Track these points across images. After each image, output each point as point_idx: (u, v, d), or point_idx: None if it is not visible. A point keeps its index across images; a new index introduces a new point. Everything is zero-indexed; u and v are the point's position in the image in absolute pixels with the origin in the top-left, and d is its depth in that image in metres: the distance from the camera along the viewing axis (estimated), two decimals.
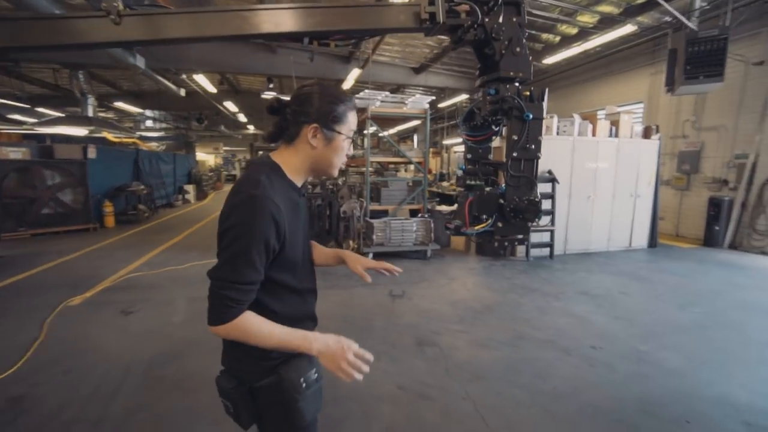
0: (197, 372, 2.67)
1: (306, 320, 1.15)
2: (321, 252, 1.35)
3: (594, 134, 6.40)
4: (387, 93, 6.04)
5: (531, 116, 1.36)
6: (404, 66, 11.47)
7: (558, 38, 8.88)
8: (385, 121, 6.91)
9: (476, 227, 1.52)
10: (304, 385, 1.04)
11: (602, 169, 6.49)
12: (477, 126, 1.66)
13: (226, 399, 1.08)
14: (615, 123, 6.55)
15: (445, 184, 10.90)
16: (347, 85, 10.53)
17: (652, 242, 7.05)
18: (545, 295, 4.39)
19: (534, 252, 6.26)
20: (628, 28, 7.09)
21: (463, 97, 13.66)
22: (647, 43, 8.38)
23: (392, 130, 14.99)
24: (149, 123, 19.07)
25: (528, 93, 1.39)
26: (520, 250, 6.30)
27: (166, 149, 17.19)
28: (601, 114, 7.72)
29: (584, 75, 10.48)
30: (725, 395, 2.49)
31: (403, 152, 6.53)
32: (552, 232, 6.22)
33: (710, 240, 7.29)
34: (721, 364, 2.89)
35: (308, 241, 1.19)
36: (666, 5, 5.98)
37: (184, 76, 9.58)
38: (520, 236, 1.53)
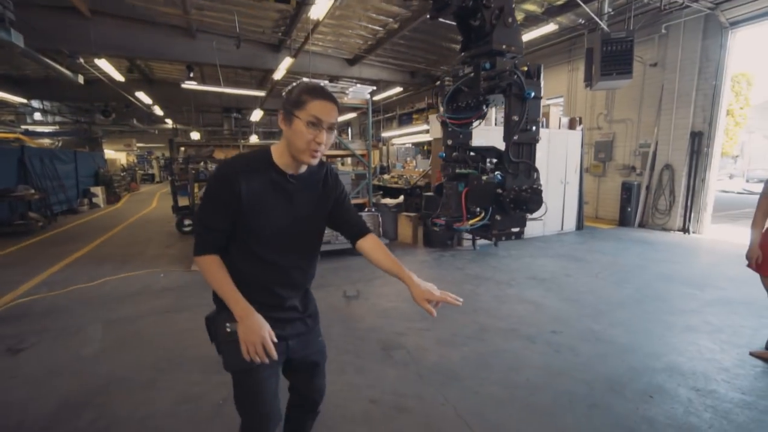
0: (125, 416, 2.16)
1: (262, 290, 1.27)
2: (379, 257, 1.40)
3: (547, 126, 6.72)
4: (326, 81, 5.68)
5: (532, 94, 1.20)
6: (338, 57, 11.07)
7: None
8: None
9: (471, 222, 1.33)
10: (229, 330, 1.22)
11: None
12: (461, 108, 1.47)
13: (207, 326, 1.33)
14: (545, 115, 6.94)
15: (386, 176, 10.81)
16: (278, 75, 9.86)
17: (580, 225, 7.68)
18: (498, 283, 4.47)
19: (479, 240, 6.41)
20: (550, 27, 7.54)
21: (398, 90, 13.69)
22: (565, 42, 9.05)
23: None
24: (38, 116, 16.12)
25: (525, 68, 1.22)
26: (466, 239, 6.42)
27: (64, 146, 14.72)
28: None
29: None
30: (672, 365, 2.67)
31: (346, 144, 6.24)
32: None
33: (624, 220, 8.15)
34: (660, 335, 3.13)
35: (308, 224, 1.33)
36: (585, 6, 6.44)
37: (82, 60, 8.13)
38: (517, 229, 1.37)
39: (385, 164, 12.80)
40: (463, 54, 1.44)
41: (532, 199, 1.22)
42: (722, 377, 2.54)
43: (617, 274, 4.74)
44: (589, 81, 6.46)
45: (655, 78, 7.75)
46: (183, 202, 8.18)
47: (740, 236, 7.03)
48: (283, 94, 1.27)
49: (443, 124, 1.53)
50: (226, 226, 1.21)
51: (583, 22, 7.97)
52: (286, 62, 8.74)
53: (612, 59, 6.08)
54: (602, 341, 3.01)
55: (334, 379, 2.49)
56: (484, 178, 1.32)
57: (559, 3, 7.35)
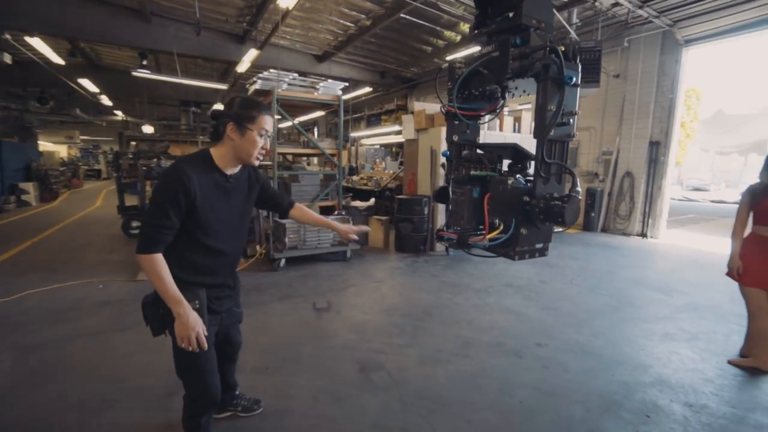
0: None
1: (213, 273, 1.55)
2: (309, 215, 1.93)
3: (501, 129, 6.68)
4: (295, 75, 5.29)
5: (574, 79, 0.96)
6: (306, 52, 10.62)
7: (459, 37, 9.16)
8: (292, 107, 6.12)
9: (490, 235, 1.08)
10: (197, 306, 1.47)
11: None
12: (472, 96, 1.22)
13: (143, 310, 1.52)
14: (518, 119, 6.96)
15: (355, 178, 10.48)
16: (242, 68, 9.27)
17: None
18: (476, 291, 4.30)
19: None
20: None
21: (367, 89, 13.42)
22: None
23: (295, 120, 13.96)
24: None
25: (563, 48, 0.98)
26: (440, 244, 6.26)
27: None
28: (505, 111, 8.17)
29: None
30: (660, 377, 2.60)
31: (315, 143, 5.86)
32: None
33: (588, 225, 8.38)
34: (642, 345, 3.07)
35: (240, 216, 1.62)
36: (558, 15, 6.52)
37: (8, 37, 7.12)
38: (542, 245, 1.13)
39: (354, 165, 12.47)
40: (476, 32, 1.18)
41: (570, 210, 0.98)
42: (709, 389, 2.48)
43: (590, 280, 4.74)
44: None
45: (617, 89, 8.04)
46: (131, 201, 7.39)
47: (690, 241, 7.44)
48: (226, 106, 1.47)
49: (450, 115, 1.26)
50: (176, 224, 1.37)
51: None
52: (251, 54, 8.20)
53: (582, 68, 6.17)
54: (588, 353, 2.89)
55: (307, 411, 2.17)
56: (509, 181, 1.07)
57: None
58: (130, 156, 9.73)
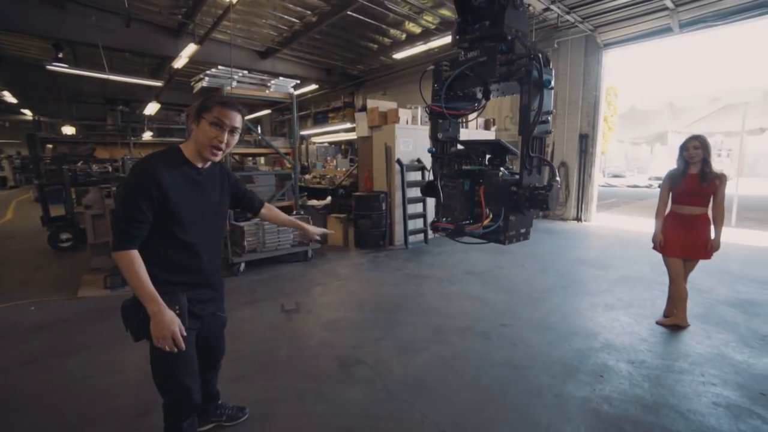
0: None
1: (192, 271, 1.52)
2: (277, 215, 1.99)
3: (466, 126, 6.97)
4: (245, 72, 5.10)
5: (552, 82, 1.10)
6: (249, 48, 10.20)
7: (404, 35, 9.35)
8: (243, 106, 5.87)
9: (485, 223, 1.19)
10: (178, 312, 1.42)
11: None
12: (458, 97, 1.32)
13: (122, 315, 1.45)
14: (488, 121, 7.31)
15: (308, 176, 10.31)
16: (179, 63, 8.64)
17: None
18: (439, 280, 4.50)
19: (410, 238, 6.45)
20: None
21: (313, 87, 13.22)
22: None
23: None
24: None
25: (541, 55, 1.11)
26: (398, 238, 6.41)
27: None
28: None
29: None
30: (607, 342, 2.95)
31: (269, 142, 5.70)
32: (425, 217, 6.54)
33: None
34: (590, 317, 3.45)
35: (215, 211, 1.59)
36: None
37: None
38: (525, 229, 1.27)
39: (305, 164, 12.24)
40: (458, 37, 1.28)
41: (552, 197, 1.12)
42: (645, 347, 2.87)
43: (540, 263, 5.18)
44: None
45: None
46: (56, 211, 6.62)
47: (616, 222, 8.40)
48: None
49: (435, 114, 1.36)
50: (150, 218, 1.36)
51: None
52: (189, 49, 7.68)
53: None
54: (547, 328, 3.19)
55: (294, 411, 2.16)
56: (500, 174, 1.19)
57: None
58: (48, 161, 8.69)
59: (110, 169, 8.81)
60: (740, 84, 8.47)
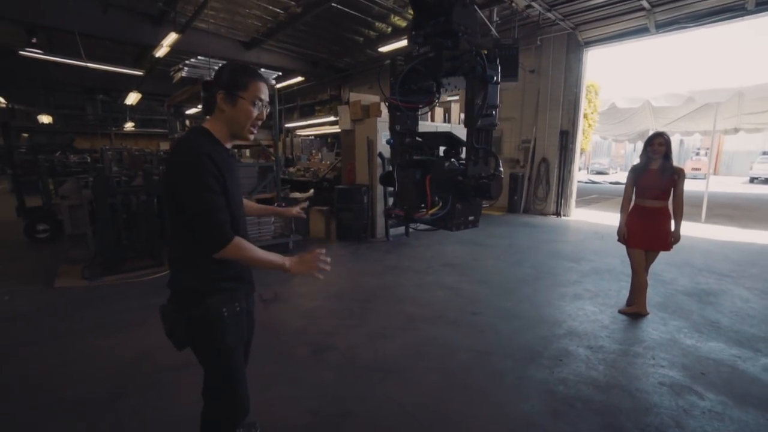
0: None
1: (236, 264, 1.32)
2: (252, 206, 1.75)
3: (432, 120, 7.07)
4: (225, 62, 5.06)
5: (495, 78, 1.18)
6: (233, 38, 10.07)
7: (390, 29, 9.36)
8: None
9: (431, 211, 1.27)
10: (226, 314, 1.26)
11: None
12: (412, 91, 1.39)
13: (165, 322, 1.32)
14: (447, 110, 7.40)
15: (292, 169, 10.28)
16: (160, 52, 8.48)
17: None
18: (417, 272, 4.61)
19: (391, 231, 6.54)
20: None
21: (299, 79, 13.12)
22: None
23: None
24: None
25: (486, 52, 1.19)
26: (380, 230, 6.50)
27: None
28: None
29: None
30: (570, 329, 3.10)
31: None
32: None
33: (512, 207, 9.25)
34: (558, 306, 3.60)
35: (241, 193, 1.40)
36: (480, 13, 7.02)
37: None
38: (474, 217, 1.36)
39: (290, 156, 12.19)
40: (413, 32, 1.35)
41: (495, 186, 1.21)
42: (605, 334, 3.03)
43: (515, 256, 5.33)
44: None
45: (533, 83, 8.90)
46: (32, 202, 6.48)
47: (595, 217, 8.64)
48: (214, 76, 1.29)
49: (393, 107, 1.43)
50: (223, 198, 1.22)
51: None
52: (170, 38, 7.56)
53: (502, 63, 6.73)
54: (515, 317, 3.33)
55: (264, 394, 2.23)
56: (446, 164, 1.27)
57: None
58: (24, 150, 8.47)
59: (89, 159, 8.62)
60: (711, 85, 8.75)
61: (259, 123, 1.31)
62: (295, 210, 1.85)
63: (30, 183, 6.87)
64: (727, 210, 9.79)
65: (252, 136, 1.32)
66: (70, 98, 15.11)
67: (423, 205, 1.35)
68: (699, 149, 23.89)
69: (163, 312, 1.32)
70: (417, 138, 1.52)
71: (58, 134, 10.54)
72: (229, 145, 1.34)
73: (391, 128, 1.49)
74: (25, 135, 9.31)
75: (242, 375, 1.39)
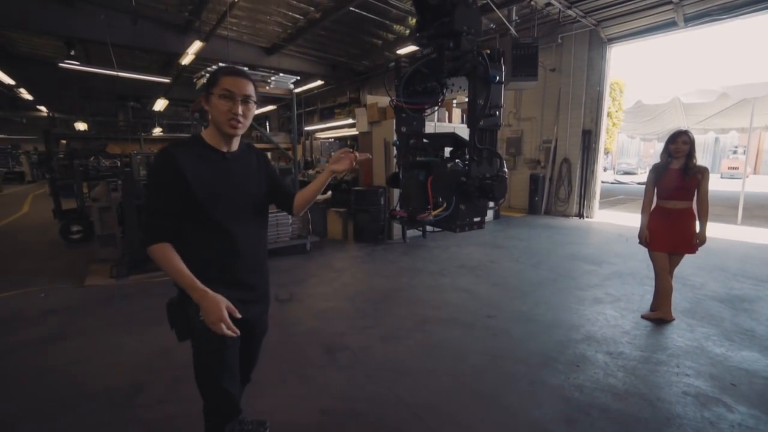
0: None
1: (228, 266, 1.38)
2: (305, 194, 1.60)
3: (450, 120, 7.03)
4: (245, 68, 5.20)
5: (498, 78, 1.17)
6: (255, 45, 10.34)
7: (408, 31, 9.37)
8: None
9: (435, 212, 1.27)
10: (202, 318, 1.24)
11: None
12: (417, 92, 1.40)
13: (167, 312, 1.39)
14: (465, 111, 7.34)
15: (311, 172, 10.43)
16: (186, 60, 8.82)
17: (497, 215, 8.31)
18: (432, 273, 4.58)
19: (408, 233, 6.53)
20: None
21: (319, 83, 13.30)
22: None
23: None
24: None
25: (488, 51, 1.18)
26: (396, 232, 6.50)
27: None
28: (455, 103, 8.52)
29: None
30: (589, 334, 3.00)
31: (268, 137, 5.82)
32: None
33: (532, 208, 9.06)
34: (576, 310, 3.50)
35: (250, 199, 1.44)
36: (498, 12, 6.93)
37: None
38: (479, 219, 1.35)
39: (309, 159, 12.37)
40: (418, 34, 1.35)
41: (499, 187, 1.19)
42: (626, 339, 2.92)
43: (533, 258, 5.22)
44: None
45: (553, 82, 8.70)
46: (68, 205, 6.85)
47: (619, 219, 8.32)
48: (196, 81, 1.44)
49: (398, 109, 1.43)
50: (177, 208, 1.27)
51: (494, 26, 8.58)
52: (195, 46, 7.84)
53: (521, 62, 6.65)
54: (531, 320, 3.26)
55: (275, 391, 2.28)
56: (448, 165, 1.27)
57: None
58: (62, 156, 8.95)
59: (119, 164, 9.04)
60: (746, 79, 8.27)
61: (241, 117, 1.29)
62: (352, 160, 1.54)
63: (67, 187, 7.27)
64: (766, 211, 9.24)
65: (237, 131, 1.32)
66: (103, 106, 15.92)
67: (428, 207, 1.34)
68: (736, 147, 22.68)
69: (168, 304, 1.41)
70: (423, 139, 1.52)
71: (92, 140, 11.09)
72: (226, 149, 1.37)
73: (397, 130, 1.50)
74: (63, 141, 9.84)
75: (228, 375, 1.41)
